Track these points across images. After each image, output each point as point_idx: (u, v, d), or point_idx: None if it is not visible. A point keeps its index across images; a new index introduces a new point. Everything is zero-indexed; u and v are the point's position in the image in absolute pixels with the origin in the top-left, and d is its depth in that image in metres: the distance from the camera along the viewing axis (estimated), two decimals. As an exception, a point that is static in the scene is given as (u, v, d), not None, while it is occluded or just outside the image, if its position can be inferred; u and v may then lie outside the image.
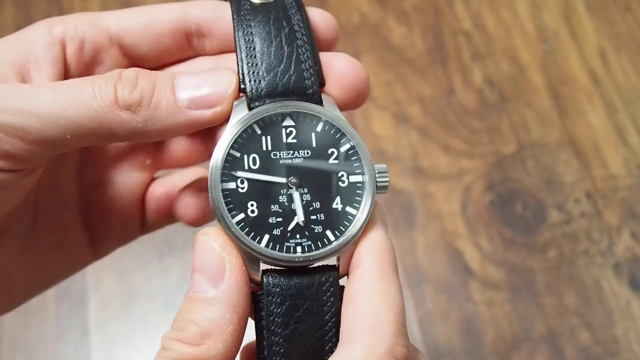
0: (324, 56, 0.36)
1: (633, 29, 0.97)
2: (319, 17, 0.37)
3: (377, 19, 0.98)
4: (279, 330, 0.32)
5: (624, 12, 0.98)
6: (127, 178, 0.43)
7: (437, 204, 0.86)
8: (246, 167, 0.33)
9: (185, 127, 0.34)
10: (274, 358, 0.32)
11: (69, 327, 0.80)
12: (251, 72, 0.34)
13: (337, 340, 0.32)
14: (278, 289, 0.32)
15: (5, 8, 0.99)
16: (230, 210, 0.33)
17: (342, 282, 0.34)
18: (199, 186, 0.42)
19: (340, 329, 0.31)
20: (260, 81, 0.34)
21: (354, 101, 0.36)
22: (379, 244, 0.33)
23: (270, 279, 0.33)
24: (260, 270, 0.33)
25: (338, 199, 0.33)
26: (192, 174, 0.44)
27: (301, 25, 0.35)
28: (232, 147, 0.33)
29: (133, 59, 0.39)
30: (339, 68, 0.35)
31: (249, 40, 0.35)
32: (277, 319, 0.32)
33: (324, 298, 0.33)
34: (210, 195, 0.33)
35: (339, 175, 0.34)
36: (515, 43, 0.96)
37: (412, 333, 0.78)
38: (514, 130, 0.90)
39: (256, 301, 0.33)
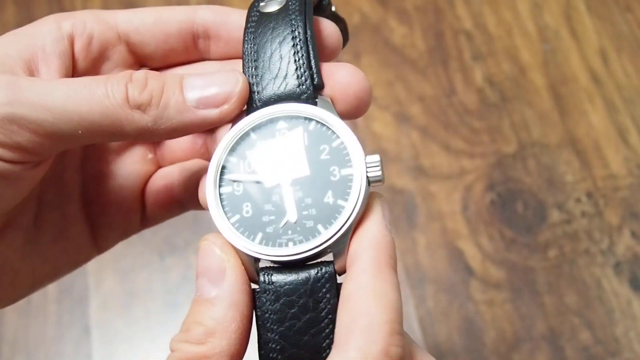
0: (328, 66, 0.36)
1: (634, 29, 0.97)
2: (321, 25, 0.38)
3: (377, 18, 0.98)
4: (275, 327, 0.33)
5: (625, 12, 0.98)
6: (128, 171, 0.43)
7: (438, 204, 0.86)
8: (242, 171, 0.35)
9: (193, 126, 0.35)
10: (271, 354, 0.33)
11: (70, 326, 0.80)
12: (253, 84, 0.36)
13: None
14: (272, 286, 0.33)
15: (7, 8, 0.99)
16: (226, 213, 0.34)
17: (342, 279, 0.34)
18: None
19: (335, 329, 0.31)
20: (259, 93, 0.35)
21: (355, 111, 0.36)
22: (377, 240, 0.33)
23: (266, 277, 0.33)
24: (258, 268, 0.34)
25: (330, 192, 0.34)
26: (192, 165, 0.44)
27: (300, 30, 0.36)
28: (228, 153, 0.35)
29: (139, 56, 0.40)
30: (342, 77, 0.36)
31: (251, 52, 0.36)
32: (272, 315, 0.33)
33: (320, 294, 0.33)
34: (207, 199, 0.34)
35: (331, 169, 0.34)
36: (516, 43, 0.96)
37: (413, 332, 0.78)
38: (514, 130, 0.90)
39: (255, 299, 0.33)
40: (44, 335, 0.79)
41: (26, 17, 0.98)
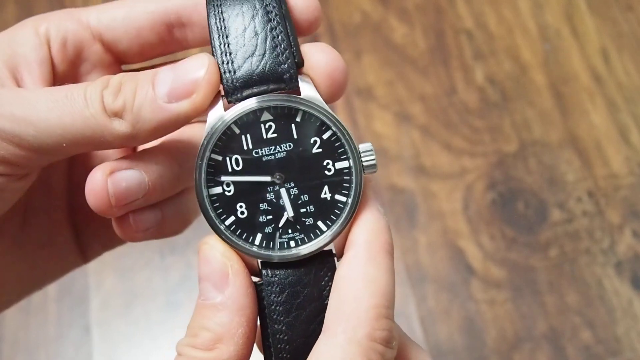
0: (301, 47, 0.34)
1: (635, 28, 0.97)
2: None
3: (378, 18, 0.98)
4: (281, 318, 0.32)
5: (626, 11, 0.98)
6: None
7: (438, 203, 0.85)
8: (230, 170, 0.33)
9: (169, 123, 0.33)
10: (279, 345, 0.33)
11: (70, 326, 0.80)
12: (226, 62, 0.33)
13: None
14: (277, 278, 0.33)
15: (7, 7, 0.99)
16: (219, 215, 0.33)
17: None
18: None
19: (326, 314, 0.32)
20: (235, 72, 0.33)
21: (333, 93, 0.34)
22: (371, 226, 0.33)
23: (269, 269, 0.33)
24: (259, 262, 0.33)
25: (326, 188, 0.33)
26: None
27: (274, 5, 0.34)
28: (213, 152, 0.33)
29: (116, 54, 0.38)
30: (317, 59, 0.34)
31: (221, 27, 0.34)
32: (278, 307, 0.33)
33: (322, 283, 0.33)
34: (197, 202, 0.33)
35: (324, 164, 0.33)
36: (517, 42, 0.96)
37: (414, 331, 0.78)
38: (515, 129, 0.90)
39: (258, 291, 0.33)
40: (45, 334, 0.79)
41: (27, 16, 0.98)
